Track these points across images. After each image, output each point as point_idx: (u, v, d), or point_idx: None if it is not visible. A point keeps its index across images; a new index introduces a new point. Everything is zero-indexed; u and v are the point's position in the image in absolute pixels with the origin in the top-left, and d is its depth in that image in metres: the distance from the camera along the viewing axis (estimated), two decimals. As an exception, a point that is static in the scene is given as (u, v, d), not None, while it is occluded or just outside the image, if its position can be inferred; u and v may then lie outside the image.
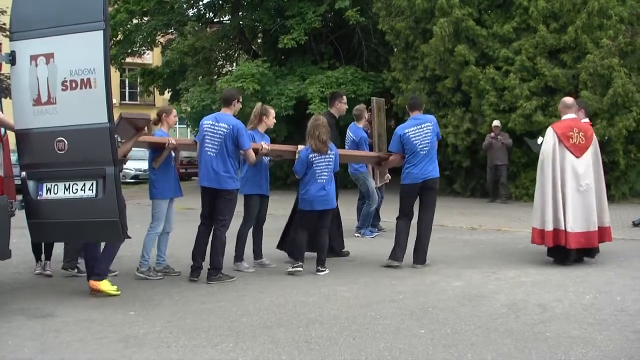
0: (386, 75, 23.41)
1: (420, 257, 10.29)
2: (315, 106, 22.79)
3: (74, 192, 8.02)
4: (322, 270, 9.84)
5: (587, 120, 11.23)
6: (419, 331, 6.82)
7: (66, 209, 8.06)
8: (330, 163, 9.83)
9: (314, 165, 9.73)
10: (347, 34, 26.76)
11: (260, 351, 6.25)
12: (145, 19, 29.74)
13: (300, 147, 10.03)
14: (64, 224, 8.15)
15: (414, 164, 10.15)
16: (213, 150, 9.28)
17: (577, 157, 9.97)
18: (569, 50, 18.94)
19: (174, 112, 10.12)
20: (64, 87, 7.85)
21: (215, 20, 31.91)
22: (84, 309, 7.91)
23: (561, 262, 10.06)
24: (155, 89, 34.96)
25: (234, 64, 31.87)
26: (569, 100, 10.58)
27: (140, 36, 29.56)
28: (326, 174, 9.78)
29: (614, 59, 17.72)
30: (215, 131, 9.31)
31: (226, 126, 9.28)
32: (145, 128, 9.43)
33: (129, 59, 32.67)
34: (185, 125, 36.31)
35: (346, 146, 12.56)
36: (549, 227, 9.94)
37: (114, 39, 29.25)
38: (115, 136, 7.87)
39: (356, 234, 13.40)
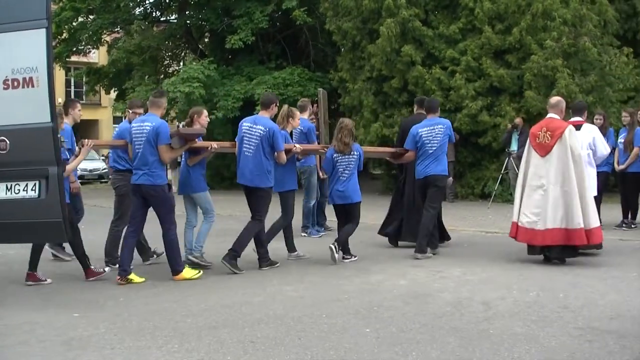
0: (333, 75, 23.44)
1: (419, 246, 10.97)
2: (262, 107, 22.72)
3: (16, 193, 7.91)
4: (348, 258, 10.68)
5: (578, 119, 11.16)
6: (365, 330, 6.85)
7: (8, 209, 7.93)
8: (352, 163, 10.59)
9: (337, 164, 10.59)
10: (294, 34, 26.80)
11: (206, 352, 6.22)
12: (91, 17, 29.44)
13: (327, 147, 11.02)
14: (6, 225, 8.01)
15: (421, 161, 11.07)
16: (250, 150, 9.91)
17: (541, 156, 10.10)
18: (514, 51, 19.17)
19: (205, 112, 10.45)
20: (5, 86, 7.73)
21: (162, 19, 31.74)
22: (27, 311, 7.81)
23: (547, 260, 10.24)
24: (101, 88, 34.57)
25: (181, 64, 31.68)
26: (552, 100, 10.71)
27: (86, 34, 29.25)
28: (347, 173, 10.58)
29: (557, 60, 17.95)
30: (252, 133, 9.94)
31: (263, 128, 9.89)
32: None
33: (74, 58, 32.34)
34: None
35: (293, 139, 12.37)
36: (514, 219, 10.40)
37: (59, 37, 28.94)
38: (59, 135, 7.81)
39: (302, 234, 13.38)
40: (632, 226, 13.36)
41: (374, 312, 7.54)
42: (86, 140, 9.57)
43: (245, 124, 10.11)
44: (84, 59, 35.27)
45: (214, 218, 10.43)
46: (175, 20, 29.95)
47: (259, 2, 25.41)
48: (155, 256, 10.84)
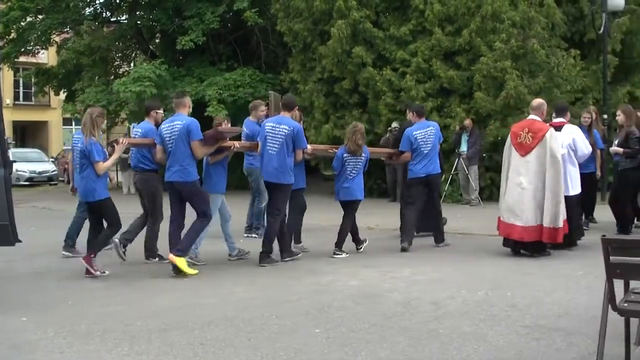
0: (284, 76, 23.47)
1: (438, 237, 12.08)
2: (213, 108, 22.71)
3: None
4: (339, 253, 11.21)
5: (561, 120, 11.52)
6: (315, 330, 6.86)
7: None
8: (360, 163, 11.35)
9: (346, 163, 11.27)
10: (245, 35, 26.74)
11: (156, 354, 6.19)
12: (40, 17, 29.04)
13: (336, 147, 11.88)
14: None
15: (418, 161, 11.78)
16: (274, 149, 10.40)
17: (522, 155, 10.59)
18: (464, 52, 19.37)
19: (226, 120, 11.61)
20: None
21: (112, 19, 31.44)
22: (-26, 314, 7.72)
23: (516, 251, 10.86)
24: (50, 89, 34.14)
25: (132, 64, 31.45)
26: (534, 102, 11.15)
27: (35, 35, 28.91)
28: (355, 172, 11.32)
29: (506, 61, 18.16)
30: (276, 132, 10.43)
31: (288, 128, 10.42)
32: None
33: (23, 58, 31.95)
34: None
35: (243, 139, 12.44)
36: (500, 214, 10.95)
37: (7, 37, 28.57)
38: (7, 137, 7.72)
39: (247, 234, 13.38)
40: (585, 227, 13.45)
41: (324, 313, 7.56)
42: (120, 139, 10.20)
43: (268, 124, 10.64)
44: (33, 60, 34.80)
45: (212, 222, 10.53)
46: (126, 21, 29.71)
47: (210, 3, 25.32)
48: (157, 259, 10.85)
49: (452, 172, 18.47)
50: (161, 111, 11.45)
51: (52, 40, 30.47)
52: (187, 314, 7.61)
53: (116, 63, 31.44)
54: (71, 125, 45.75)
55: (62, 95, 34.86)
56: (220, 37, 26.79)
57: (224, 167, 10.80)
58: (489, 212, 14.36)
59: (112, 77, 29.09)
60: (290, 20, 22.17)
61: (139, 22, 28.63)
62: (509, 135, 10.99)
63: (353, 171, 11.29)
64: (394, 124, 18.81)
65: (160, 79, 23.93)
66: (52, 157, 36.98)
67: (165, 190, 10.32)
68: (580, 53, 19.41)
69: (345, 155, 11.30)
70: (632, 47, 21.35)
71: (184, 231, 10.12)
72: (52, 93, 38.39)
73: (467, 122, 18.14)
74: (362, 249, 11.60)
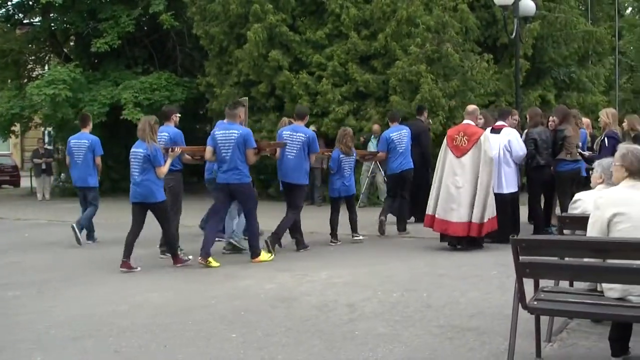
0: (200, 80, 23.31)
1: (400, 226, 13.70)
2: (129, 112, 22.43)
3: None
4: (357, 236, 12.98)
5: (501, 123, 12.36)
6: (231, 335, 6.84)
7: None
8: (352, 162, 13.00)
9: (342, 163, 12.74)
10: (161, 38, 26.52)
11: (69, 362, 6.10)
12: (-51, 18, 28.34)
13: (330, 150, 13.56)
14: None
15: (395, 159, 13.48)
16: (292, 153, 11.66)
17: (457, 157, 11.37)
18: (380, 56, 19.54)
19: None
20: None
21: (25, 21, 30.73)
22: None
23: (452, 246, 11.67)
24: (-41, 92, 33.23)
25: (46, 68, 30.83)
26: (469, 108, 12.07)
27: (-57, 36, 28.14)
28: (349, 171, 12.93)
29: (421, 65, 18.37)
30: (294, 139, 11.72)
31: (304, 135, 11.77)
32: None
33: None
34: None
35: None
36: (430, 212, 11.70)
37: None
38: None
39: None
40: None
41: (240, 317, 7.54)
42: (175, 147, 10.98)
43: (285, 132, 11.92)
44: (-58, 62, 33.89)
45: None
46: (39, 23, 29.07)
47: (126, 6, 24.99)
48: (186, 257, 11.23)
49: (368, 175, 18.62)
50: (179, 115, 12.37)
51: (-39, 42, 29.68)
52: (101, 322, 7.51)
53: (29, 66, 30.70)
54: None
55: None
56: (136, 40, 26.48)
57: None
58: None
59: (25, 80, 28.44)
60: (206, 23, 22.06)
61: (52, 24, 28.04)
62: (445, 139, 11.73)
63: (348, 170, 12.87)
64: (312, 127, 18.87)
65: (75, 82, 23.53)
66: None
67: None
68: (493, 57, 19.75)
69: (341, 156, 12.75)
70: (543, 52, 21.82)
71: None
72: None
73: (376, 127, 18.30)
74: (360, 238, 13.00)
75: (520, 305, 5.39)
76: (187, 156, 11.50)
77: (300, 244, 12.05)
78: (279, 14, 20.05)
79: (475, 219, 11.19)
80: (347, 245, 12.33)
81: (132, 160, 10.58)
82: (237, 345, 6.49)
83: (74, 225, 13.05)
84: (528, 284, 5.51)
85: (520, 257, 5.27)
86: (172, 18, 23.66)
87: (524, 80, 19.97)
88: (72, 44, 30.09)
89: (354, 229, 13.02)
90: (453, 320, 7.15)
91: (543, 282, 5.87)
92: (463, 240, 11.48)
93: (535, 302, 5.47)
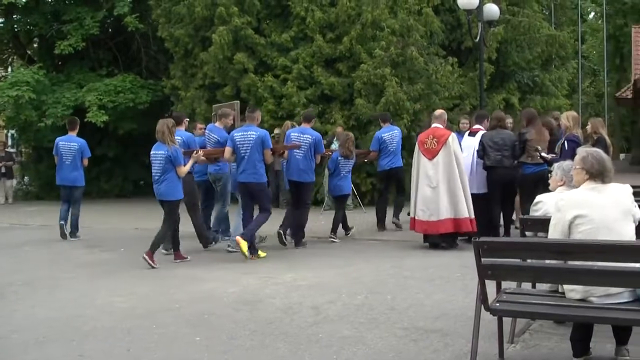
0: (165, 82, 23.24)
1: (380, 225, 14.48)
2: (93, 114, 22.31)
3: None
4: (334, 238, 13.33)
5: (478, 126, 13.00)
6: (195, 339, 6.82)
7: None
8: (350, 164, 13.64)
9: (339, 165, 13.40)
10: (126, 40, 26.38)
11: (31, 366, 6.05)
12: None
13: (330, 152, 14.10)
14: None
15: (384, 157, 14.34)
16: (300, 154, 12.38)
17: (429, 159, 11.89)
18: (345, 59, 19.58)
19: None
20: None
21: (-13, 23, 30.51)
22: None
23: (433, 246, 12.07)
24: None
25: (9, 69, 30.57)
26: (437, 112, 12.64)
27: None
28: (347, 172, 13.60)
29: (386, 68, 18.45)
30: (301, 140, 12.44)
31: (311, 137, 12.50)
32: None
33: None
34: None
35: (210, 146, 12.69)
36: (411, 215, 12.19)
37: None
38: None
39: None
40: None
41: (204, 321, 7.52)
42: (198, 150, 11.74)
43: (294, 134, 12.67)
44: None
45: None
46: (2, 25, 28.82)
47: (90, 8, 24.86)
48: (214, 242, 12.73)
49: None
50: (187, 119, 13.32)
51: None
52: (64, 325, 7.45)
53: (-8, 68, 30.54)
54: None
55: None
56: (100, 42, 26.34)
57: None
58: (370, 217, 14.52)
59: (-12, 82, 28.19)
60: (171, 26, 22.00)
61: (15, 26, 27.81)
62: (417, 144, 12.25)
63: (346, 172, 13.52)
64: (276, 131, 18.84)
65: (39, 84, 23.37)
66: None
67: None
68: (457, 61, 19.89)
69: (339, 158, 13.38)
70: (507, 56, 22.00)
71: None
72: None
73: (339, 129, 18.34)
74: (350, 234, 13.74)
75: (482, 307, 5.42)
76: (202, 158, 11.85)
77: (300, 242, 12.65)
78: (244, 16, 20.04)
79: (454, 214, 11.73)
80: (313, 247, 12.35)
81: (153, 161, 11.12)
82: (201, 349, 6.47)
83: (62, 222, 14.21)
84: (491, 286, 5.55)
85: (483, 259, 5.31)
86: (137, 20, 23.60)
87: (488, 84, 20.11)
88: (35, 45, 29.84)
89: (334, 229, 13.41)
90: (417, 322, 7.18)
91: (505, 284, 5.91)
92: (447, 238, 11.96)
93: (498, 304, 5.51)
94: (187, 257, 11.38)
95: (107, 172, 25.75)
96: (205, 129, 13.33)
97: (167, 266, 10.87)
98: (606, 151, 10.92)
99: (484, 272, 5.33)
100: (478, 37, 17.56)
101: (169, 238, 11.52)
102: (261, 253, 11.49)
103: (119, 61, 26.31)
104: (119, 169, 26.27)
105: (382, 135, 14.46)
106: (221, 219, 13.31)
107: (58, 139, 14.94)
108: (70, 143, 14.55)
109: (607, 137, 11.75)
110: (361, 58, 18.95)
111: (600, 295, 5.27)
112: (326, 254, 11.87)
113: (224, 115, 13.15)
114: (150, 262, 10.70)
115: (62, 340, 6.88)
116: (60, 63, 27.03)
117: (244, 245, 11.02)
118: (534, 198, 7.10)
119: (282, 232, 12.40)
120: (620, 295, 5.25)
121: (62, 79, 25.46)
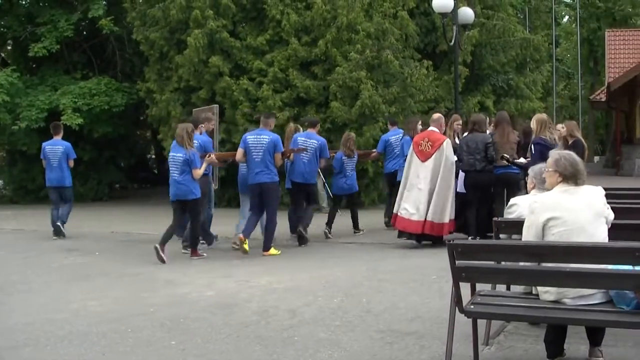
0: (140, 85, 23.11)
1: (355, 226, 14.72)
2: (68, 117, 22.17)
3: None
4: (358, 232, 14.43)
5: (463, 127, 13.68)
6: (170, 342, 6.81)
7: None
8: (354, 163, 14.40)
9: (344, 164, 14.13)
10: (101, 43, 26.27)
11: (5, 372, 6.01)
12: None
13: (334, 152, 14.40)
14: None
15: (390, 160, 14.96)
16: (306, 158, 12.99)
17: (422, 161, 12.23)
18: (320, 62, 19.59)
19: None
20: None
21: (-41, 25, 30.25)
22: None
23: (418, 242, 12.40)
24: None
25: (-18, 72, 30.31)
26: (434, 116, 12.97)
27: None
28: (351, 171, 14.28)
29: (361, 71, 18.50)
30: (307, 145, 13.05)
31: (316, 141, 13.19)
32: None
33: None
34: None
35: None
36: (395, 211, 12.54)
37: None
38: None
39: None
40: None
41: (180, 324, 7.50)
42: (211, 153, 12.30)
43: (300, 138, 13.23)
44: None
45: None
46: (-25, 27, 28.65)
47: (64, 10, 24.72)
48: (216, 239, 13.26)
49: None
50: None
51: None
52: (38, 330, 7.41)
53: (-35, 71, 30.25)
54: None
55: None
56: (75, 45, 26.18)
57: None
58: (346, 219, 14.54)
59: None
60: (146, 29, 21.89)
61: (-12, 28, 27.65)
62: (411, 145, 12.62)
63: (350, 170, 14.19)
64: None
65: (13, 87, 23.17)
66: None
67: None
68: (432, 64, 20.01)
69: (343, 157, 14.07)
70: (482, 59, 22.17)
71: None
72: None
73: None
74: (360, 233, 14.34)
75: (457, 309, 5.45)
76: (215, 160, 12.58)
77: (302, 238, 13.08)
78: (220, 19, 19.99)
79: (433, 217, 12.03)
80: (290, 251, 12.35)
81: (172, 163, 11.80)
82: (177, 353, 6.46)
83: (58, 223, 14.82)
84: (466, 288, 5.58)
85: (457, 262, 5.34)
86: (111, 23, 23.47)
87: (463, 87, 20.24)
88: (9, 48, 29.60)
89: (355, 225, 14.45)
90: (393, 325, 7.20)
91: (480, 286, 5.94)
92: (427, 237, 12.27)
93: (472, 306, 5.54)
94: (204, 255, 11.94)
95: (82, 175, 25.54)
96: None
97: (143, 270, 10.83)
98: (583, 154, 11.14)
99: (458, 275, 5.36)
100: (453, 41, 17.67)
101: (187, 235, 12.23)
102: (274, 251, 12.05)
103: (94, 64, 26.15)
104: (94, 172, 26.11)
105: (389, 138, 15.11)
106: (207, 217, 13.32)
107: (44, 143, 15.72)
108: (55, 147, 15.37)
109: (583, 140, 11.89)
110: (336, 61, 18.97)
111: (574, 296, 5.31)
112: (302, 257, 11.89)
113: (207, 119, 13.39)
114: (195, 256, 11.80)
115: (35, 345, 6.85)
116: (34, 66, 26.86)
117: (246, 244, 11.79)
118: (502, 199, 7.18)
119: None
120: (593, 296, 5.30)
121: (36, 81, 25.25)
